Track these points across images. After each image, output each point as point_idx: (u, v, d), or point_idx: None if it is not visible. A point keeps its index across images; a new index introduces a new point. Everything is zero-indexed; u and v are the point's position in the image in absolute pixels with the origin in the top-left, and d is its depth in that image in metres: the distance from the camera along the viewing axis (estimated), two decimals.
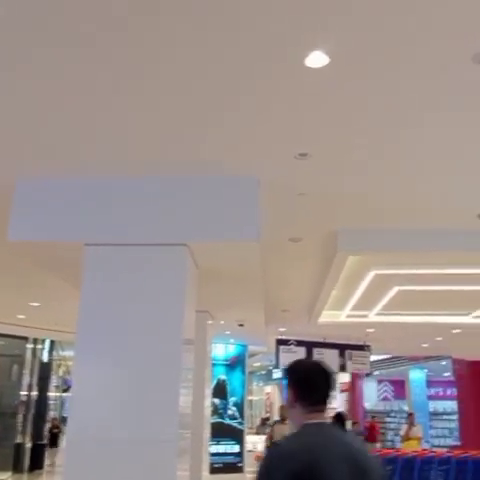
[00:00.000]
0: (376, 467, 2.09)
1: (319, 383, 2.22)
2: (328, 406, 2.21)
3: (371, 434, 17.01)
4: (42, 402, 15.33)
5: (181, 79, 3.21)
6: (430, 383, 23.57)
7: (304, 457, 1.94)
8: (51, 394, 17.56)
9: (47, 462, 14.52)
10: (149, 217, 4.52)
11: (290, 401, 2.23)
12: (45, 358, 15.56)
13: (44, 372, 15.43)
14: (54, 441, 15.24)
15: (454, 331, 10.08)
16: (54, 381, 18.48)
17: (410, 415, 14.38)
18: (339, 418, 7.69)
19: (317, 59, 2.97)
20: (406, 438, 13.40)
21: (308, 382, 2.23)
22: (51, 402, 18.04)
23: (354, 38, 2.82)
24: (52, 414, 17.97)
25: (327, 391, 2.22)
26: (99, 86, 3.29)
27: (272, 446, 2.05)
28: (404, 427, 14.35)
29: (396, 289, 8.00)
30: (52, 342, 15.70)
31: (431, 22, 2.69)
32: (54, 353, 16.16)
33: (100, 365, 4.26)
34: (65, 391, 18.76)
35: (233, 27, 2.76)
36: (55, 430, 15.51)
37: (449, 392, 15.62)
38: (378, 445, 16.85)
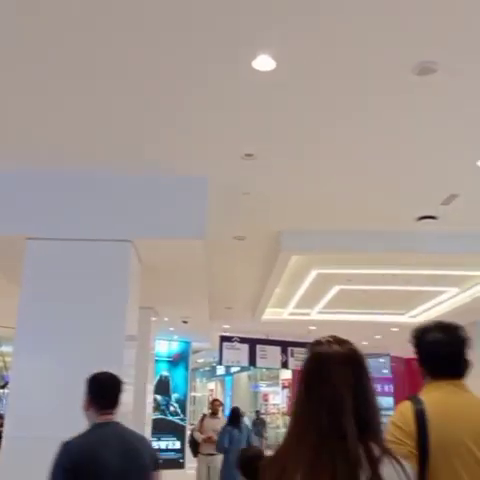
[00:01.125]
0: (148, 449, 2.70)
1: (108, 391, 2.72)
2: (116, 409, 2.71)
3: None
4: None
5: (132, 78, 3.22)
6: None
7: (80, 452, 2.41)
8: None
9: None
10: (94, 212, 4.49)
11: (86, 405, 2.68)
12: None
13: None
14: None
15: (393, 329, 10.42)
16: None
17: None
18: (235, 413, 7.88)
19: (264, 62, 3.04)
20: None
21: (99, 390, 2.70)
22: None
23: (301, 44, 2.91)
24: None
25: (115, 398, 2.72)
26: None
27: (61, 445, 2.43)
28: None
29: (337, 288, 8.21)
30: None
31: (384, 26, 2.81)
32: None
33: (40, 361, 4.21)
34: (2, 387, 18.20)
35: (185, 27, 2.79)
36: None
37: (386, 389, 16.15)
38: None
